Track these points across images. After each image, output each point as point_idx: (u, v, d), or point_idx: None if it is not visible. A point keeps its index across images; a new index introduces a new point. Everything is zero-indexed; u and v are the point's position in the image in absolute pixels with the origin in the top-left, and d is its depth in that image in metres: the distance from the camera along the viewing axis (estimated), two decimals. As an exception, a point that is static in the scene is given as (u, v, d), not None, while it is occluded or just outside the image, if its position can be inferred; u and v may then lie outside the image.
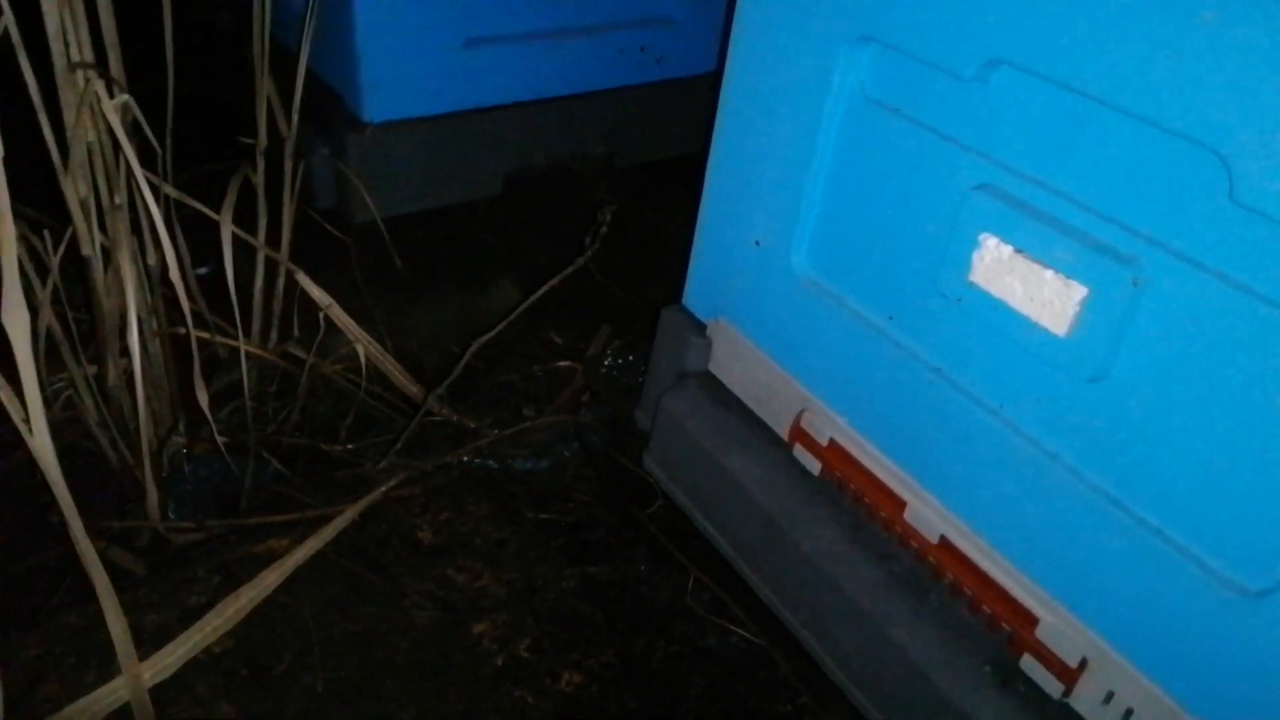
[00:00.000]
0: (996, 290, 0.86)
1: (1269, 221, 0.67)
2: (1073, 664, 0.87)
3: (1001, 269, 0.85)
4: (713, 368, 1.25)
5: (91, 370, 1.23)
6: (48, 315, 1.14)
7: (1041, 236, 0.81)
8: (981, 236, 0.85)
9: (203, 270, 1.42)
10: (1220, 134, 0.68)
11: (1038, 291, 0.82)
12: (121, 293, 1.11)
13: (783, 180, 1.05)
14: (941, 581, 1.00)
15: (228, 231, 1.20)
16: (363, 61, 1.60)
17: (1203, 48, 0.67)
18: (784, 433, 1.15)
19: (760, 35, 1.03)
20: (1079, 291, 0.79)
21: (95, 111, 1.04)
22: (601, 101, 1.90)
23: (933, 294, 0.93)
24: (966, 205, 0.86)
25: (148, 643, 1.12)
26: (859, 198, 1.00)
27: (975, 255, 0.86)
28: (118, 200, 1.11)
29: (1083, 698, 0.88)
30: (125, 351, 1.15)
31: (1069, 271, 0.80)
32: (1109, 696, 0.85)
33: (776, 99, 1.03)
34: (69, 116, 1.03)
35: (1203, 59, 0.67)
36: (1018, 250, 0.83)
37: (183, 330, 1.16)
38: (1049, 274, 0.81)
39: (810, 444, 1.11)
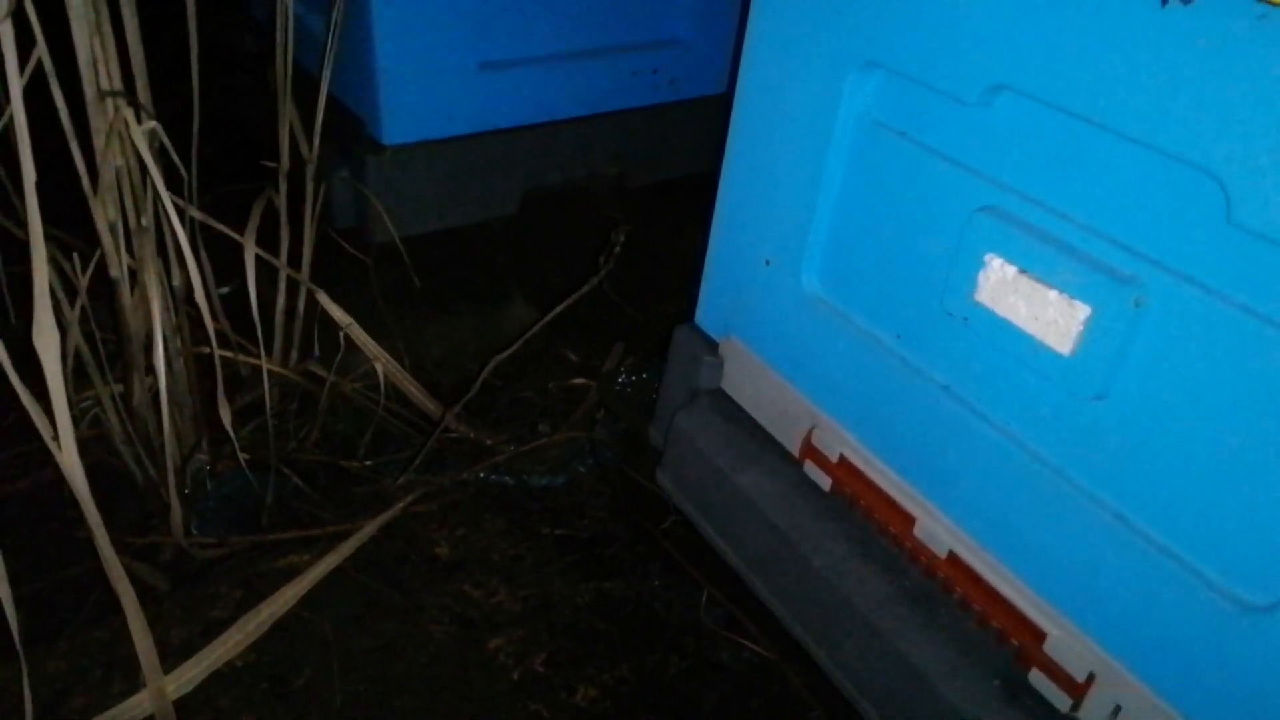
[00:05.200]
0: (1002, 310, 0.87)
1: (1265, 242, 0.68)
2: (1080, 678, 0.88)
3: (1006, 289, 0.86)
4: (725, 385, 1.26)
5: (118, 389, 1.26)
6: (76, 335, 1.17)
7: (1045, 257, 0.83)
8: (987, 257, 0.87)
9: (226, 290, 1.45)
10: (1217, 158, 0.69)
11: (1042, 311, 0.83)
12: (147, 313, 1.14)
13: (792, 201, 1.07)
14: (951, 596, 1.01)
15: (251, 253, 1.23)
16: (382, 85, 1.63)
17: (1199, 74, 0.69)
18: (795, 449, 1.16)
19: (769, 60, 1.05)
20: (1082, 311, 0.81)
21: (124, 138, 1.07)
22: (614, 122, 1.92)
23: (940, 313, 0.94)
24: (971, 226, 0.88)
25: (172, 656, 1.15)
26: (867, 218, 1.01)
27: (981, 275, 0.88)
28: (144, 223, 1.14)
29: (1090, 712, 0.88)
30: (150, 370, 1.18)
31: (1072, 291, 0.81)
32: (1116, 711, 0.86)
33: (786, 122, 1.05)
34: (99, 142, 1.07)
35: (1199, 85, 0.69)
36: (1022, 270, 0.84)
37: (206, 349, 1.19)
38: (1053, 294, 0.82)
39: (821, 460, 1.12)
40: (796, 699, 1.21)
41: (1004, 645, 0.96)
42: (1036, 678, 0.92)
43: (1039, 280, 0.83)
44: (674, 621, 1.30)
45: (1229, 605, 0.77)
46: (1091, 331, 0.81)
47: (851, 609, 1.04)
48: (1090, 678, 0.88)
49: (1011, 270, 0.85)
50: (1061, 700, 0.90)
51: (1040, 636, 0.91)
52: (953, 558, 0.99)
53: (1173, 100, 0.71)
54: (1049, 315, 0.83)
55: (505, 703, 1.17)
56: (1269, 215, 0.67)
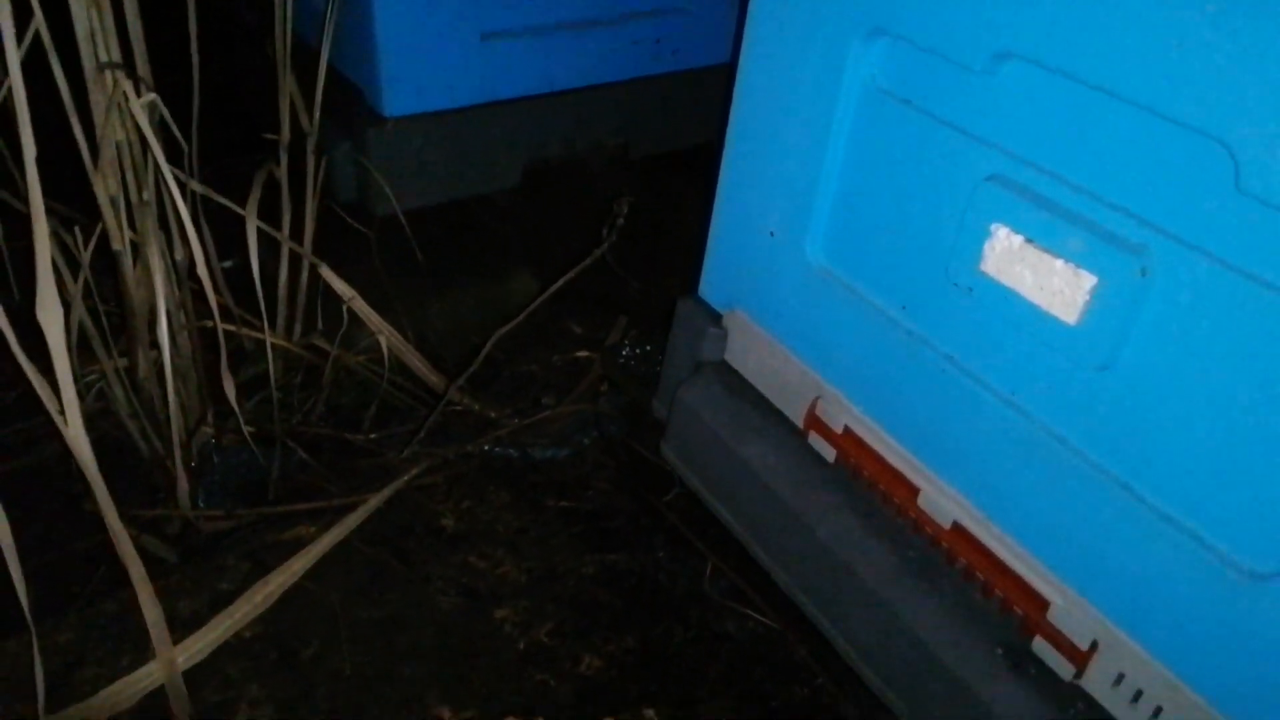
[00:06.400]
0: (1007, 279, 0.87)
1: (1274, 211, 0.68)
2: (1083, 646, 0.89)
3: (1012, 258, 0.86)
4: (728, 357, 1.26)
5: (122, 363, 1.26)
6: (80, 309, 1.17)
7: (1051, 226, 0.82)
8: (992, 226, 0.86)
9: (228, 264, 1.44)
10: (1225, 124, 0.69)
11: (1048, 280, 0.83)
12: (150, 287, 1.14)
13: (797, 171, 1.07)
14: (954, 566, 1.01)
15: (253, 226, 1.22)
16: (382, 57, 1.61)
17: (1208, 40, 0.68)
18: (799, 421, 1.17)
19: (773, 28, 1.04)
20: (1088, 280, 0.80)
21: (123, 111, 1.06)
22: (616, 93, 1.91)
23: (945, 283, 0.94)
24: (977, 195, 0.87)
25: (180, 628, 1.16)
26: (872, 188, 1.01)
27: (986, 245, 0.87)
28: (146, 196, 1.14)
29: (1093, 679, 0.89)
30: (155, 344, 1.18)
31: (1078, 260, 0.81)
32: (1119, 678, 0.87)
33: (789, 91, 1.04)
34: (99, 116, 1.06)
35: (1208, 51, 0.68)
36: (1028, 240, 0.84)
37: (210, 323, 1.19)
38: (1059, 263, 0.82)
39: (825, 432, 1.13)
40: (801, 668, 1.22)
41: (1007, 614, 0.97)
42: (1040, 646, 0.93)
43: (1045, 250, 0.83)
44: (679, 592, 1.31)
45: (1233, 573, 0.77)
46: (1097, 301, 0.80)
47: (856, 579, 1.05)
48: (1094, 646, 0.88)
49: (1018, 240, 0.85)
50: (1065, 668, 0.91)
51: (1044, 605, 0.92)
52: (957, 528, 1.00)
53: (1181, 66, 0.70)
54: (1055, 285, 0.83)
55: (511, 672, 1.18)
56: (1277, 182, 0.67)
